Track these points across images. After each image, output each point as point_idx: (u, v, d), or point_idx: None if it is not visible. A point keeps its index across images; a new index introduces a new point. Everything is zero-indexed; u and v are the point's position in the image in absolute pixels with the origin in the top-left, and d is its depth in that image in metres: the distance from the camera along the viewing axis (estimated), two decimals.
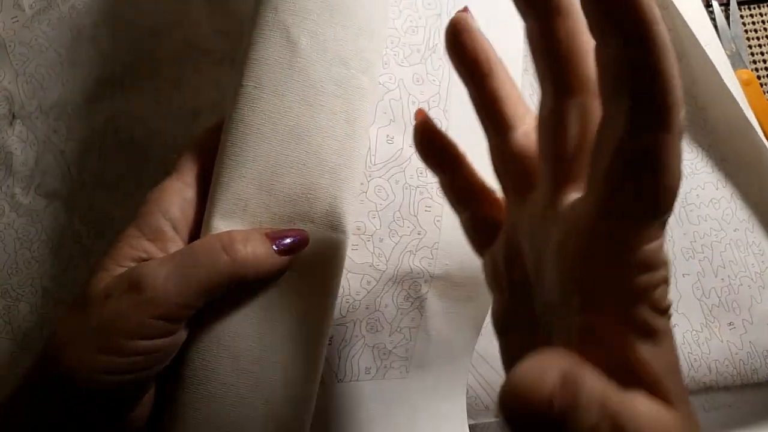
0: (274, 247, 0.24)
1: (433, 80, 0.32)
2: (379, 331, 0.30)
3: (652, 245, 0.16)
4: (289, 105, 0.25)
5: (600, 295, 0.16)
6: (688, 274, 0.36)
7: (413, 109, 0.31)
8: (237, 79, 0.25)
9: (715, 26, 0.41)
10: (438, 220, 0.31)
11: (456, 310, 0.31)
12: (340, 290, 0.29)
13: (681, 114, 0.15)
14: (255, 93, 0.25)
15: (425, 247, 0.31)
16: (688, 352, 0.35)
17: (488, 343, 0.33)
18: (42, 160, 0.34)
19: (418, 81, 0.32)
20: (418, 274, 0.31)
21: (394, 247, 0.31)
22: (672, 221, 0.36)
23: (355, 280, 0.30)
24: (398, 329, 0.31)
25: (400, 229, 0.31)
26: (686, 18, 0.37)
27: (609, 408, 0.15)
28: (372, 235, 0.30)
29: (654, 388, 0.16)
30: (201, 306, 0.23)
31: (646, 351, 0.16)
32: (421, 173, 0.31)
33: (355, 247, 0.30)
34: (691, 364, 0.35)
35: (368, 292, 0.30)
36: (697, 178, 0.37)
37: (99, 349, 0.21)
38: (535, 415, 0.14)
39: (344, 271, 0.28)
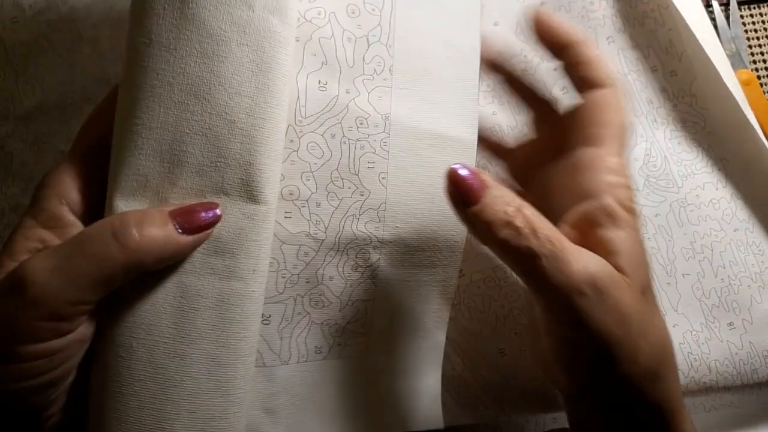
0: (177, 227, 0.22)
1: (372, 10, 0.28)
2: (326, 306, 0.28)
3: (616, 159, 0.26)
4: (183, 60, 0.22)
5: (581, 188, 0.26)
6: (688, 275, 0.36)
7: (350, 47, 0.27)
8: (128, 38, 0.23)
9: (715, 26, 0.41)
10: (383, 177, 0.28)
11: (417, 278, 0.29)
12: (275, 264, 0.27)
13: (615, 77, 0.28)
14: (145, 50, 0.22)
15: (370, 209, 0.28)
16: (688, 352, 0.35)
17: (487, 342, 0.33)
18: (42, 161, 0.34)
19: (353, 13, 0.28)
20: (365, 240, 0.28)
21: (333, 212, 0.27)
22: (672, 221, 0.36)
23: (290, 251, 0.27)
24: (350, 303, 0.28)
25: (340, 190, 0.27)
26: (686, 18, 0.37)
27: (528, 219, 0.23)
28: (307, 200, 0.27)
29: (611, 260, 0.23)
30: (98, 299, 0.21)
31: (608, 231, 0.24)
32: (362, 123, 0.27)
33: (288, 215, 0.27)
34: (691, 364, 0.35)
35: (307, 265, 0.27)
36: (697, 178, 0.37)
37: None
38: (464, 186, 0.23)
39: (277, 243, 0.26)
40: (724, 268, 0.36)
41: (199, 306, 0.22)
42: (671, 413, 0.25)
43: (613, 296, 0.23)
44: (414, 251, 0.28)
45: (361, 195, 0.27)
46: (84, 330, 0.21)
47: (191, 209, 0.22)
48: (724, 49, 0.40)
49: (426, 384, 0.30)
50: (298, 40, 0.26)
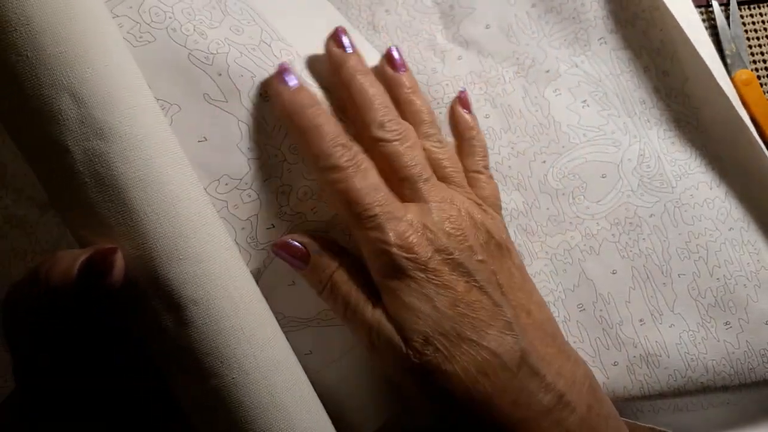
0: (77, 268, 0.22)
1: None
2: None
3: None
4: None
5: None
6: (684, 274, 0.36)
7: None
8: None
9: (715, 26, 0.41)
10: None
11: None
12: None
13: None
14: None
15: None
16: (685, 352, 0.35)
17: None
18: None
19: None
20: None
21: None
22: (667, 221, 0.36)
23: (336, 234, 0.29)
24: None
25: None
26: (678, 18, 0.37)
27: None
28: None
29: None
30: None
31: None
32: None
33: (314, 211, 0.29)
34: (688, 364, 0.35)
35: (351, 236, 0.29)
36: (691, 178, 0.37)
37: None
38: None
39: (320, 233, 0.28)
40: (720, 267, 0.36)
41: (197, 415, 0.24)
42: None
43: (380, 353, 0.26)
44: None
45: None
46: None
47: (91, 254, 0.22)
48: (724, 49, 0.40)
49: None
50: (220, 75, 0.27)
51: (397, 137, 0.28)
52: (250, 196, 0.27)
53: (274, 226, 0.28)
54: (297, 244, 0.27)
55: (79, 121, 0.22)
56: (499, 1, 0.38)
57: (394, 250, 0.25)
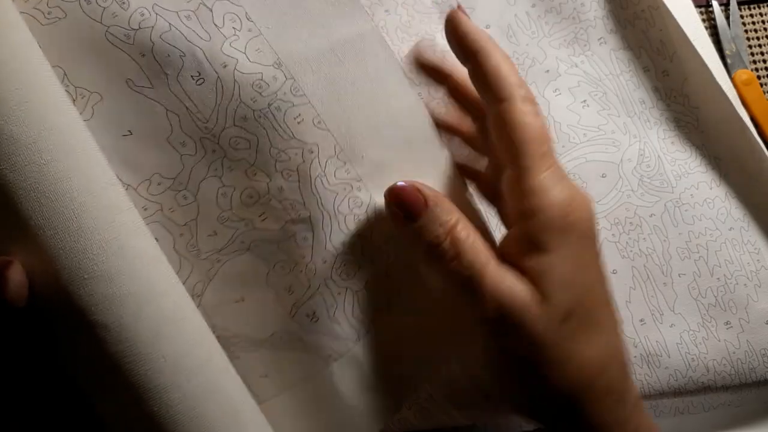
0: None
1: None
2: (356, 271, 0.26)
3: (532, 181, 0.25)
4: None
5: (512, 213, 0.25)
6: (684, 274, 0.36)
7: (194, 24, 0.24)
8: None
9: (715, 26, 0.41)
10: (318, 122, 0.25)
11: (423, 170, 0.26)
12: (286, 267, 0.25)
13: (515, 88, 0.25)
14: None
15: (329, 159, 0.25)
16: (686, 352, 0.35)
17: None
18: None
19: None
20: (345, 189, 0.25)
21: (299, 186, 0.25)
22: (667, 221, 0.36)
23: (289, 247, 0.25)
24: (377, 249, 0.26)
25: (289, 162, 0.25)
26: (677, 17, 0.37)
27: (453, 232, 0.23)
28: (268, 192, 0.25)
29: (535, 286, 0.23)
30: None
31: (531, 258, 0.24)
32: (260, 86, 0.25)
33: (263, 216, 0.25)
34: (689, 364, 0.35)
35: (312, 248, 0.25)
36: (691, 177, 0.37)
37: None
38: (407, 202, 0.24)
39: (272, 248, 0.25)
40: (720, 267, 0.36)
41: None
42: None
43: (521, 326, 0.23)
44: (395, 162, 0.26)
45: (311, 152, 0.25)
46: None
47: None
48: (724, 49, 0.40)
49: None
50: (143, 55, 0.23)
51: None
52: (186, 198, 0.24)
53: (216, 233, 0.24)
54: (415, 192, 0.24)
55: None
56: (499, 1, 0.38)
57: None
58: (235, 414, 0.22)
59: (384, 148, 0.26)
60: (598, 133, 0.37)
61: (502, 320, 0.23)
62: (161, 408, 0.20)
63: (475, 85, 0.26)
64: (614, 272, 0.36)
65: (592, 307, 0.24)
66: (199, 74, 0.24)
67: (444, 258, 0.23)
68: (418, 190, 0.24)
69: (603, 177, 0.37)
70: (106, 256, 0.20)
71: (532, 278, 0.23)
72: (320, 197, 0.25)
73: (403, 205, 0.24)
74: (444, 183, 0.27)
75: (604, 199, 0.36)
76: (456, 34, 0.26)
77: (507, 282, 0.23)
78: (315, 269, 0.25)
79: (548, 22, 0.38)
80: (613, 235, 0.36)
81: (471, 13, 0.38)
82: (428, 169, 0.26)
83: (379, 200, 0.25)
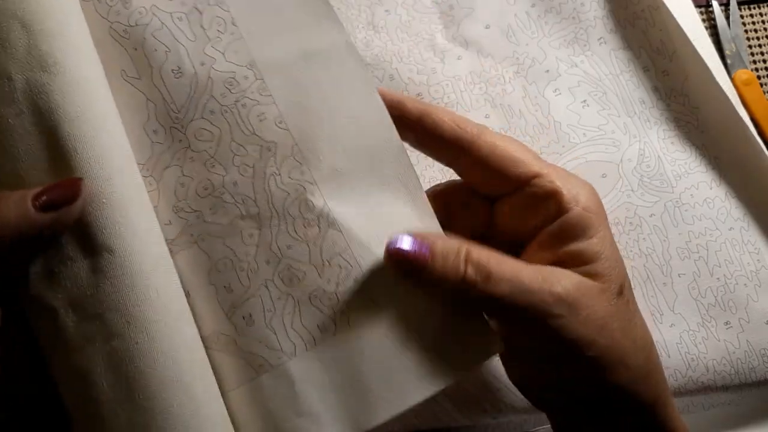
0: (35, 206, 0.21)
1: None
2: (302, 278, 0.25)
3: (559, 173, 0.27)
4: None
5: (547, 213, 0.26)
6: (684, 274, 0.36)
7: (184, 25, 0.27)
8: None
9: (715, 26, 0.41)
10: (280, 122, 0.26)
11: (375, 194, 0.26)
12: (228, 263, 0.25)
13: (475, 126, 0.27)
14: None
15: (285, 158, 0.26)
16: (686, 352, 0.35)
17: None
18: None
19: None
20: (297, 190, 0.26)
21: (253, 182, 0.26)
22: (667, 221, 0.36)
23: (234, 243, 0.25)
24: (326, 263, 0.25)
25: (247, 157, 0.26)
26: (677, 17, 0.37)
27: (473, 258, 0.23)
28: (223, 185, 0.26)
29: (587, 269, 0.25)
30: None
31: (580, 242, 0.25)
32: (231, 84, 0.26)
33: (213, 210, 0.26)
34: (689, 364, 0.35)
35: (257, 246, 0.25)
36: (691, 177, 0.37)
37: None
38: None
39: (219, 241, 0.25)
40: (720, 267, 0.36)
41: (93, 377, 0.22)
42: (662, 407, 0.25)
43: (587, 306, 0.24)
44: (356, 173, 0.26)
45: (269, 150, 0.26)
46: None
47: (48, 188, 0.22)
48: (724, 49, 0.40)
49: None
50: (136, 50, 0.26)
51: None
52: (151, 184, 0.26)
53: (170, 223, 0.25)
54: (412, 240, 0.24)
55: (26, 51, 0.22)
56: (498, 1, 0.38)
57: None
58: (208, 373, 0.24)
59: (345, 156, 0.26)
60: (598, 133, 0.37)
61: (567, 308, 0.23)
62: (144, 341, 0.22)
63: (432, 144, 0.27)
64: None
65: (629, 282, 0.26)
66: (179, 68, 0.26)
67: (475, 286, 0.23)
68: (414, 240, 0.24)
69: (603, 177, 0.37)
70: (123, 186, 0.23)
71: (584, 261, 0.25)
72: (271, 195, 0.26)
73: (408, 264, 0.24)
74: (413, 201, 0.26)
75: (604, 199, 0.36)
76: (389, 107, 0.26)
77: (550, 274, 0.24)
78: (257, 268, 0.25)
79: (548, 21, 0.38)
80: (612, 234, 0.36)
81: (471, 13, 0.38)
82: (396, 185, 0.26)
83: (334, 208, 0.26)
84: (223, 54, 0.26)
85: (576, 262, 0.25)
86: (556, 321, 0.23)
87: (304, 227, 0.25)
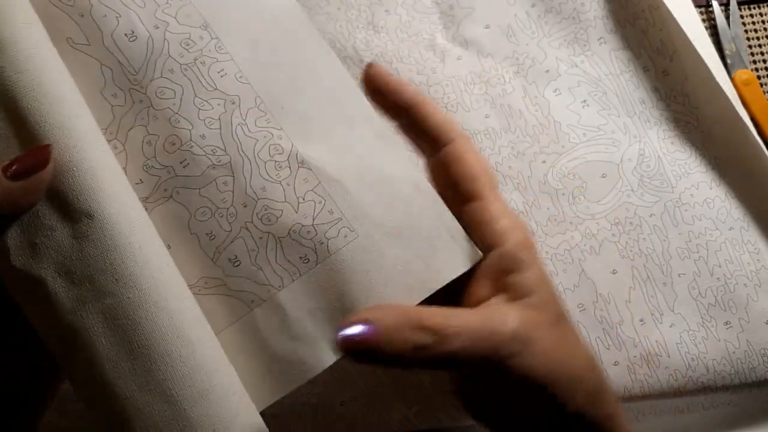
0: (6, 174, 0.22)
1: None
2: (279, 216, 0.26)
3: (498, 205, 0.27)
4: None
5: (481, 243, 0.26)
6: (684, 274, 0.36)
7: None
8: None
9: (715, 26, 0.41)
10: (240, 76, 0.27)
11: (338, 138, 0.27)
12: (208, 212, 0.26)
13: (455, 130, 0.27)
14: None
15: (250, 109, 0.27)
16: (686, 352, 0.35)
17: None
18: None
19: None
20: (265, 136, 0.27)
21: (220, 132, 0.26)
22: (667, 221, 0.36)
23: (210, 191, 0.26)
24: (300, 199, 0.26)
25: (212, 111, 0.27)
26: (677, 17, 0.37)
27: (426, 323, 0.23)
28: (191, 139, 0.26)
29: (524, 303, 0.25)
30: None
31: (515, 276, 0.25)
32: (188, 44, 0.27)
33: (185, 163, 0.26)
34: (689, 364, 0.35)
35: (233, 192, 0.26)
36: (691, 177, 0.37)
37: None
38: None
39: (194, 193, 0.26)
40: (720, 267, 0.36)
41: (91, 336, 0.23)
42: (615, 419, 0.26)
43: (538, 339, 0.24)
44: (316, 113, 0.27)
45: (233, 103, 0.27)
46: None
47: (18, 158, 0.22)
48: (724, 49, 0.40)
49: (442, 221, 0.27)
50: (83, 16, 0.26)
51: None
52: (116, 147, 0.26)
53: (142, 182, 0.26)
54: (358, 324, 0.23)
55: None
56: (498, 1, 0.38)
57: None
58: (200, 319, 0.25)
59: (307, 101, 0.27)
60: (598, 133, 0.37)
61: (521, 344, 0.24)
62: (136, 295, 0.23)
63: (412, 133, 0.28)
64: (614, 272, 0.36)
65: (565, 309, 0.27)
66: (133, 32, 0.27)
67: (428, 349, 0.23)
68: (358, 324, 0.23)
69: (603, 177, 0.37)
70: (92, 152, 0.24)
71: (523, 293, 0.25)
72: (240, 143, 0.26)
73: (359, 347, 0.23)
74: (381, 136, 0.27)
75: (604, 199, 0.36)
76: (384, 91, 0.27)
77: (501, 314, 0.25)
78: (236, 213, 0.26)
79: (548, 21, 0.38)
80: (613, 235, 0.36)
81: (471, 13, 0.38)
82: (359, 122, 0.27)
83: (302, 149, 0.27)
84: (175, 18, 0.27)
85: (516, 294, 0.25)
86: (512, 360, 0.24)
87: (276, 169, 0.26)
